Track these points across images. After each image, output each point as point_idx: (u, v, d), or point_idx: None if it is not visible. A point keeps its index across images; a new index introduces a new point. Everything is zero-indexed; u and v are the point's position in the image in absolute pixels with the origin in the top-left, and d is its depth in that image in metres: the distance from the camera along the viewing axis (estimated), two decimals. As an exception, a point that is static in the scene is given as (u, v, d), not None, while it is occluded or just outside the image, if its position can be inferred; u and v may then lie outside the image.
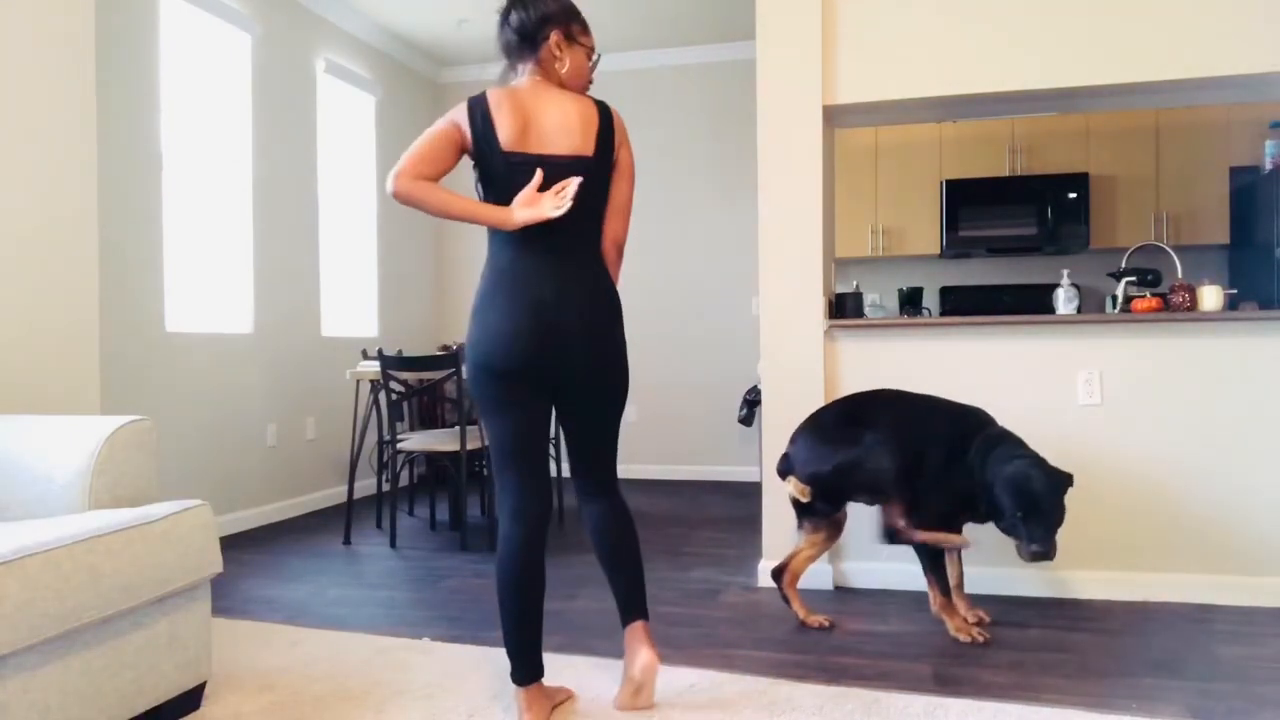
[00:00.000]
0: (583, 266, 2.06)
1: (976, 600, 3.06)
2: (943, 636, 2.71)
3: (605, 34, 5.71)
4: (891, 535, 2.71)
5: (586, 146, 2.03)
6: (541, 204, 1.93)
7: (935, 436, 2.72)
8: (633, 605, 2.14)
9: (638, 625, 2.13)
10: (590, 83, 2.18)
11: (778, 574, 2.90)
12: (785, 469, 2.84)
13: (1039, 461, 2.56)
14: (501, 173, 2.01)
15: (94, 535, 1.86)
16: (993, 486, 2.56)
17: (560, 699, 2.19)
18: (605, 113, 2.10)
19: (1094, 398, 3.15)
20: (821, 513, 2.81)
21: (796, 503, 2.83)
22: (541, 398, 2.07)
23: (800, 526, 2.89)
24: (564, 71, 2.11)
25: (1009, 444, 2.64)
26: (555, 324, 1.99)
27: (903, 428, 2.73)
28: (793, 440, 2.87)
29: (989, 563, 3.21)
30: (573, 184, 1.95)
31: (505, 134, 2.00)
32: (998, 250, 5.50)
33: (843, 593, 3.23)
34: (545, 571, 2.07)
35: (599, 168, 2.06)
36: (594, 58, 2.17)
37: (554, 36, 2.07)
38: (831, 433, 2.79)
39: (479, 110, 2.03)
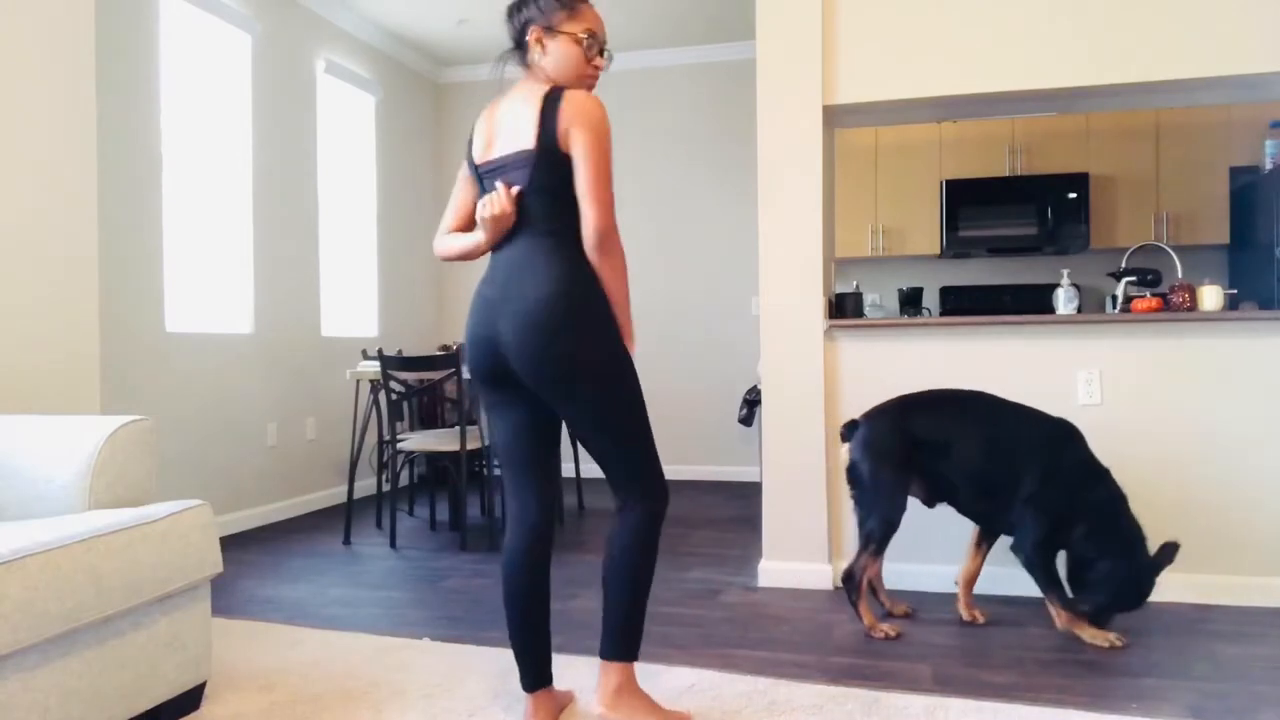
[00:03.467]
0: (531, 263, 1.92)
1: (973, 598, 3.06)
2: (943, 636, 2.71)
3: (606, 34, 5.70)
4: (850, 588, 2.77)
5: (529, 139, 1.91)
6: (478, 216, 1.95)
7: (1028, 456, 2.70)
8: (605, 638, 2.00)
9: (608, 666, 1.99)
10: (590, 70, 2.00)
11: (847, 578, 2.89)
12: (847, 436, 2.87)
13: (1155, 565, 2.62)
14: (483, 189, 2.01)
15: (94, 535, 1.86)
16: (1106, 555, 2.60)
17: (565, 703, 2.17)
18: (550, 97, 1.90)
19: (1094, 398, 3.15)
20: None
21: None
22: (525, 400, 2.00)
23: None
24: (548, 65, 1.97)
25: (1121, 504, 2.67)
26: (496, 323, 1.93)
27: (979, 452, 2.73)
28: (869, 414, 2.86)
29: (989, 562, 3.20)
30: (499, 191, 1.92)
31: (477, 149, 2.02)
32: (998, 250, 5.50)
33: (843, 593, 3.22)
34: (547, 581, 2.00)
35: (545, 157, 1.90)
36: (585, 42, 1.97)
37: (533, 34, 1.97)
38: (903, 435, 2.78)
39: (470, 133, 2.05)
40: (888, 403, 2.87)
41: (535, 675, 2.02)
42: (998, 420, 2.76)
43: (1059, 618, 2.68)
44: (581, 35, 1.96)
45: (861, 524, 2.79)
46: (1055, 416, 2.77)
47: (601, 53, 2.01)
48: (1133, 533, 2.62)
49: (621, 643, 1.98)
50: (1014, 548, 2.72)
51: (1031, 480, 2.67)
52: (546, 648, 2.03)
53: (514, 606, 1.99)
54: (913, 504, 3.26)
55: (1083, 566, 2.65)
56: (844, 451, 2.87)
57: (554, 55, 1.96)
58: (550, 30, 1.96)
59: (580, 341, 1.88)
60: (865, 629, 2.75)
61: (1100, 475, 2.67)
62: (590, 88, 2.00)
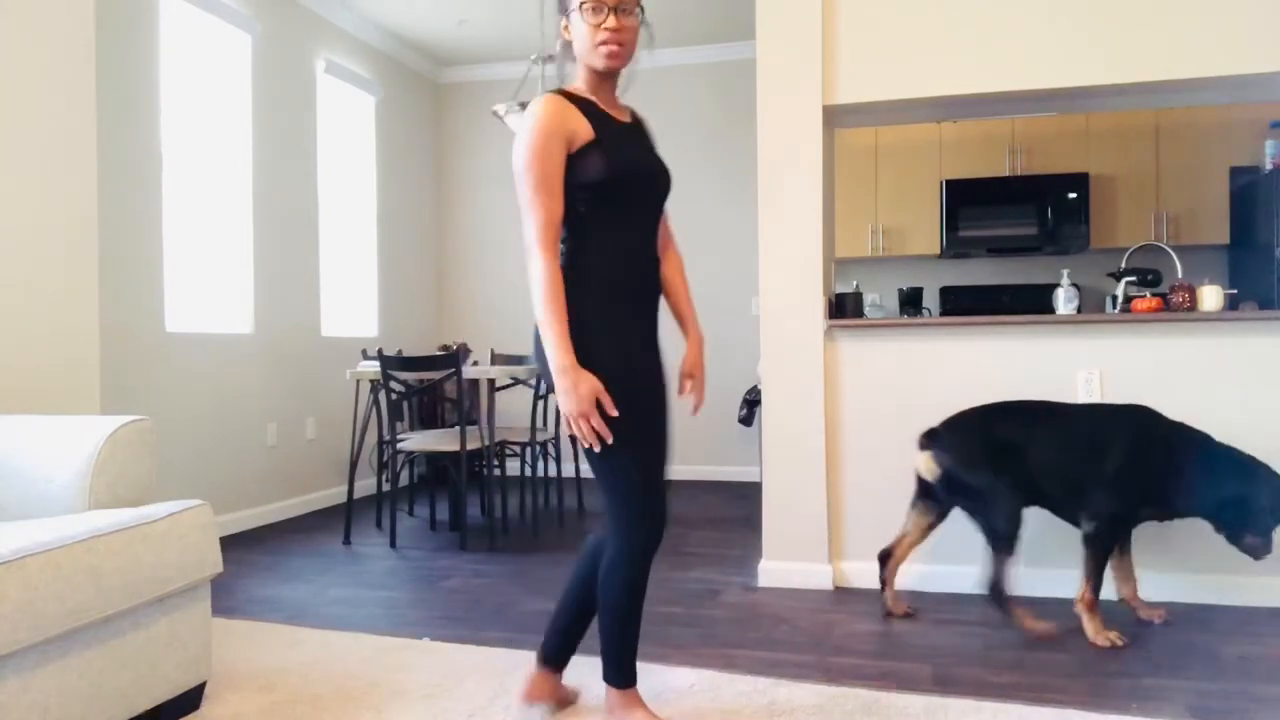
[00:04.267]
0: None
1: (974, 598, 3.07)
2: (943, 636, 2.71)
3: None
4: (996, 595, 2.69)
5: None
6: None
7: (1111, 439, 2.72)
8: (602, 659, 1.98)
9: (606, 686, 1.99)
10: (599, 37, 1.79)
11: (884, 557, 2.96)
12: (927, 444, 2.84)
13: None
14: None
15: (94, 535, 1.86)
16: (1229, 481, 2.61)
17: (570, 699, 2.18)
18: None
19: (1094, 398, 3.15)
20: (937, 500, 2.87)
21: (919, 480, 2.88)
22: None
23: (913, 506, 2.94)
24: (576, 51, 1.86)
25: (1219, 444, 2.70)
26: None
27: (1060, 447, 2.74)
28: (951, 423, 2.85)
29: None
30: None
31: None
32: (998, 250, 5.50)
33: (843, 593, 3.23)
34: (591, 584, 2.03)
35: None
36: (585, 6, 1.79)
37: (561, 26, 1.89)
38: (989, 440, 2.77)
39: None
40: (965, 411, 2.88)
41: (549, 651, 2.10)
42: (1070, 414, 2.79)
43: (1082, 600, 2.69)
44: (594, 6, 1.79)
45: (986, 529, 2.71)
46: (1126, 404, 2.81)
47: (603, 10, 1.78)
48: (1249, 460, 2.64)
49: (607, 667, 1.97)
50: (1087, 516, 2.70)
51: (1115, 457, 2.67)
52: (568, 635, 2.09)
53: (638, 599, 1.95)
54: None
55: (1224, 510, 2.62)
56: (924, 460, 2.83)
57: (576, 40, 1.85)
58: (565, 12, 1.86)
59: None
60: (1027, 634, 2.69)
61: (1184, 431, 2.70)
62: (611, 57, 1.81)
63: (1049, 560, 3.16)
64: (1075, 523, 2.77)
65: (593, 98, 1.89)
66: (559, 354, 1.75)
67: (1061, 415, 2.80)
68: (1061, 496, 2.75)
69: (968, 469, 2.76)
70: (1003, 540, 2.69)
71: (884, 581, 2.95)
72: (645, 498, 1.86)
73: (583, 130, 1.81)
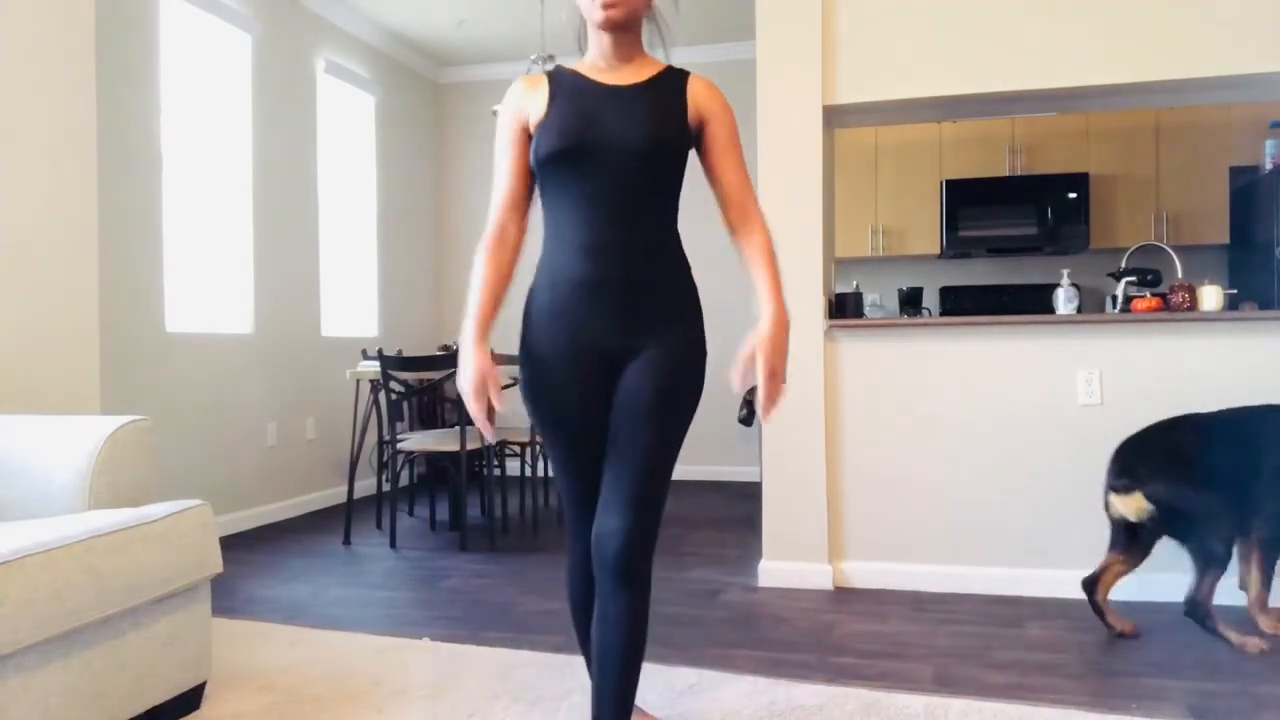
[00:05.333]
0: None
1: (973, 598, 3.07)
2: (943, 637, 2.71)
3: None
4: (1193, 609, 2.64)
5: None
6: None
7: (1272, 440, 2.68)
8: None
9: None
10: (601, 6, 1.64)
11: (1090, 585, 2.79)
12: (1130, 485, 2.69)
13: None
14: None
15: (94, 535, 1.86)
16: None
17: None
18: None
19: (1094, 398, 3.15)
20: (1148, 534, 2.72)
21: (1123, 523, 2.74)
22: None
23: (1113, 548, 2.78)
24: (584, 14, 1.72)
25: None
26: None
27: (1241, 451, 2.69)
28: (1139, 454, 2.74)
29: (987, 562, 3.21)
30: None
31: None
32: (998, 250, 5.50)
33: (843, 593, 3.23)
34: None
35: None
36: None
37: None
38: (1184, 462, 2.67)
39: None
40: (1136, 439, 2.78)
41: None
42: (1223, 420, 2.74)
43: (1257, 601, 2.68)
44: None
45: (1200, 551, 2.64)
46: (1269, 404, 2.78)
47: None
48: None
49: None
50: (1263, 519, 2.65)
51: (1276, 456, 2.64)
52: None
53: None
54: (911, 499, 3.27)
55: None
56: (1131, 503, 2.69)
57: None
58: None
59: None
60: (1238, 648, 2.59)
61: None
62: (606, 7, 1.64)
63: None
64: (1246, 530, 2.69)
65: (584, 68, 1.73)
66: (463, 327, 1.70)
67: (1220, 422, 2.74)
68: (1245, 502, 2.68)
69: (1172, 494, 2.64)
70: (1218, 560, 2.62)
71: (1099, 608, 2.76)
72: (573, 512, 1.75)
73: (535, 109, 1.69)
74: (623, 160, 1.63)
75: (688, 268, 1.75)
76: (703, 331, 1.76)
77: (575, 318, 1.66)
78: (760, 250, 1.74)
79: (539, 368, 1.70)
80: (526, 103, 1.71)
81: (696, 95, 1.75)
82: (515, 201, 1.74)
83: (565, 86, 1.70)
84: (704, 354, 1.75)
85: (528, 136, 1.71)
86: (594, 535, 1.63)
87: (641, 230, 1.67)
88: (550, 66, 4.99)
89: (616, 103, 1.67)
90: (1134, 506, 2.69)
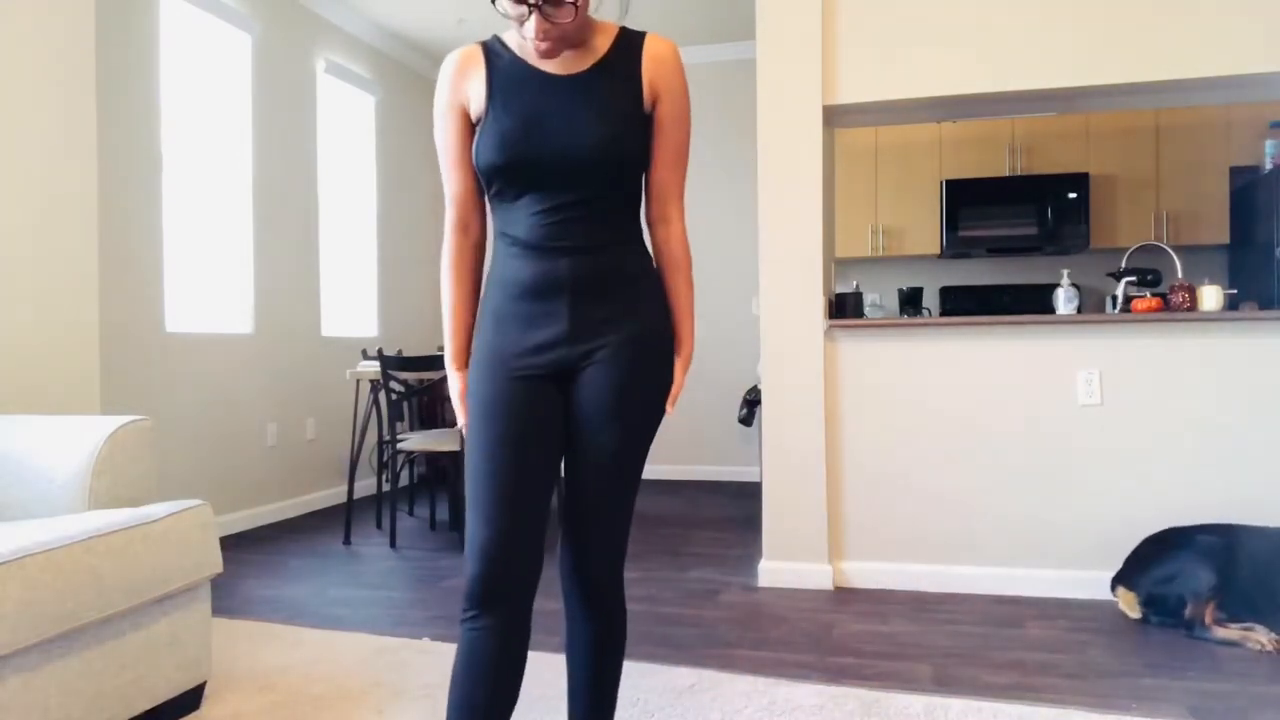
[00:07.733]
0: None
1: (973, 598, 3.07)
2: (943, 637, 2.71)
3: None
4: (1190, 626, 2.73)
5: None
6: None
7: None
8: None
9: None
10: (537, 51, 1.44)
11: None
12: (1115, 583, 2.91)
13: None
14: None
15: (94, 535, 1.86)
16: None
17: None
18: None
19: (1094, 398, 3.15)
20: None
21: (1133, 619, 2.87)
22: None
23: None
24: None
25: None
26: None
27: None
28: (1148, 557, 2.88)
29: (987, 562, 3.21)
30: None
31: None
32: (998, 250, 5.50)
33: (843, 593, 3.23)
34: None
35: None
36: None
37: None
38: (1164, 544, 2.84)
39: None
40: (1154, 552, 2.88)
41: None
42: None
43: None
44: None
45: (1187, 588, 2.75)
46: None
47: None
48: None
49: None
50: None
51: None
52: None
53: None
54: (911, 499, 3.27)
55: None
56: (1122, 599, 2.87)
57: None
58: None
59: None
60: (1240, 643, 2.63)
61: None
62: (547, 54, 1.45)
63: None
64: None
65: (519, 47, 1.52)
66: (445, 349, 1.63)
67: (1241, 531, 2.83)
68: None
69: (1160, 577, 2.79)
70: (1204, 594, 2.72)
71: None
72: (475, 531, 1.54)
73: (475, 99, 1.51)
74: (570, 171, 1.46)
75: (648, 258, 1.59)
76: (666, 322, 1.58)
77: (520, 320, 1.52)
78: (677, 271, 1.60)
79: (479, 370, 1.54)
80: (463, 91, 1.52)
81: (652, 67, 1.52)
82: (471, 203, 1.59)
83: (504, 73, 1.50)
84: (669, 345, 1.58)
85: (470, 127, 1.54)
86: (477, 562, 1.54)
87: (590, 230, 1.50)
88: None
89: (561, 98, 1.47)
90: (1125, 602, 2.87)
